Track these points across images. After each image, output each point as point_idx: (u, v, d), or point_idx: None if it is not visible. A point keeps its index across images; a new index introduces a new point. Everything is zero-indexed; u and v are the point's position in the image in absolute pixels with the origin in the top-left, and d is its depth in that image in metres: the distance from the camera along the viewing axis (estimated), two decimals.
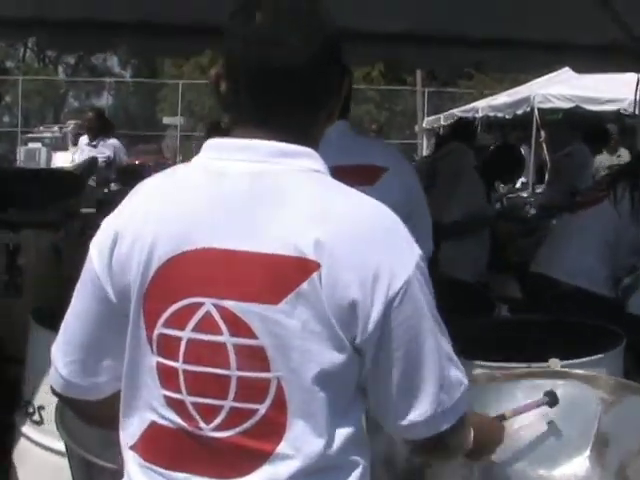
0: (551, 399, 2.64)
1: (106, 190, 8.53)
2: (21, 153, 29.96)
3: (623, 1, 6.19)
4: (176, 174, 1.86)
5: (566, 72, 11.86)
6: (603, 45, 7.53)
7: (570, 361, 3.00)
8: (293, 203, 1.70)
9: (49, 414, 3.40)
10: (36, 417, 3.65)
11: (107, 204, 8.06)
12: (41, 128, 37.40)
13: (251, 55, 1.74)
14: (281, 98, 1.77)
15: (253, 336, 1.67)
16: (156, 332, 1.74)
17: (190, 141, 39.20)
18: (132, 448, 1.80)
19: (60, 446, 3.14)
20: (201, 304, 1.70)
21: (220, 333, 1.69)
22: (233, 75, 1.79)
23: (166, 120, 37.72)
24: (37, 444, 3.78)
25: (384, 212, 1.74)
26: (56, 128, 36.94)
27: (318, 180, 1.76)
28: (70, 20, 9.75)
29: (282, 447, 1.68)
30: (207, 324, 1.70)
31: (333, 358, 1.68)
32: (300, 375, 1.67)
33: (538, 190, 13.77)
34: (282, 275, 1.66)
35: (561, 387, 2.69)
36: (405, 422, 1.73)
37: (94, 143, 9.83)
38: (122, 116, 41.09)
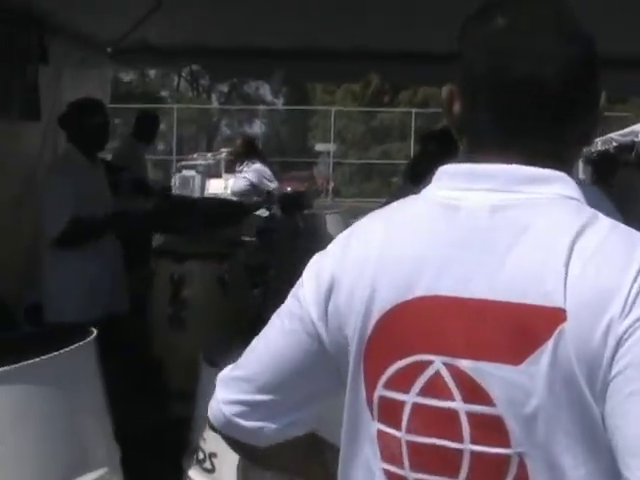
0: None
1: (266, 218, 8.36)
2: (176, 180, 30.48)
3: None
4: (399, 209, 1.57)
5: None
6: None
7: None
8: (541, 241, 1.38)
9: (222, 463, 3.18)
10: (207, 465, 3.41)
11: (266, 232, 7.94)
12: (195, 156, 38.12)
13: (495, 66, 1.45)
14: (530, 116, 1.46)
15: (490, 403, 1.37)
16: (376, 394, 1.47)
17: (342, 167, 39.42)
18: None
19: None
20: (429, 363, 1.41)
21: (451, 398, 1.40)
22: (471, 91, 1.50)
23: (318, 147, 37.90)
24: None
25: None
26: (209, 155, 37.63)
27: (572, 211, 1.42)
28: (227, 48, 9.82)
29: None
30: (436, 387, 1.41)
31: (585, 427, 1.34)
32: (547, 450, 1.35)
33: None
34: (526, 328, 1.34)
35: None
36: None
37: (239, 169, 9.78)
38: (274, 143, 41.49)
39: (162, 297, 5.08)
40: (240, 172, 9.76)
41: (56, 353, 2.54)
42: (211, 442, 3.27)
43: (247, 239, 7.50)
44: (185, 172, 33.05)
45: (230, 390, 1.65)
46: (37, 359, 2.49)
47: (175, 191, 26.33)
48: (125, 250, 5.34)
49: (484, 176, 1.46)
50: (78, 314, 4.91)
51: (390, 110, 40.80)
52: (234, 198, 9.11)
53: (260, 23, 8.86)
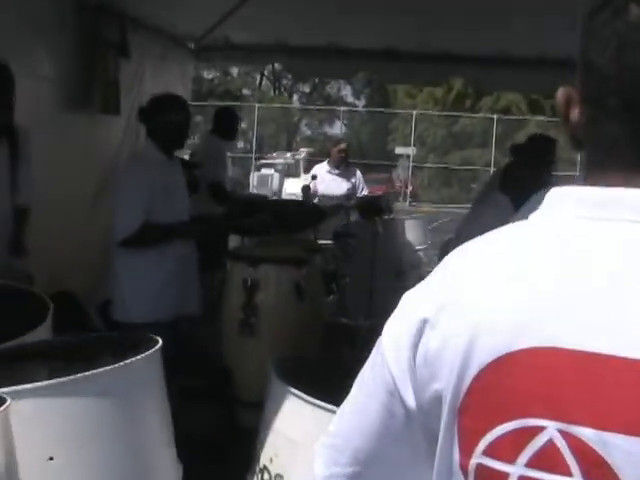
0: None
1: (344, 222, 8.14)
2: (254, 179, 30.53)
3: None
4: (505, 240, 1.29)
5: None
6: None
7: None
8: None
9: None
10: None
11: (344, 237, 7.74)
12: (274, 154, 38.18)
13: (629, 66, 1.18)
14: None
15: None
16: (473, 461, 1.20)
17: (421, 172, 39.14)
18: None
19: None
20: (540, 429, 1.14)
21: (568, 473, 1.12)
22: (596, 95, 1.23)
23: (398, 150, 37.66)
24: None
25: None
26: (289, 155, 37.68)
27: None
28: (311, 46, 9.70)
29: None
30: (548, 458, 1.14)
31: None
32: None
33: None
34: None
35: None
36: None
37: (337, 172, 9.57)
38: (354, 145, 41.32)
39: (234, 301, 4.89)
40: (339, 176, 9.58)
41: (116, 365, 2.37)
42: (278, 463, 3.08)
43: (323, 243, 7.29)
44: (264, 170, 33.14)
45: (325, 463, 1.42)
46: (96, 371, 2.33)
47: (253, 189, 26.41)
48: (200, 251, 5.20)
49: (611, 202, 1.19)
50: (147, 314, 4.78)
51: (472, 115, 40.42)
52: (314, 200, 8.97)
53: (343, 23, 8.77)
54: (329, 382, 3.00)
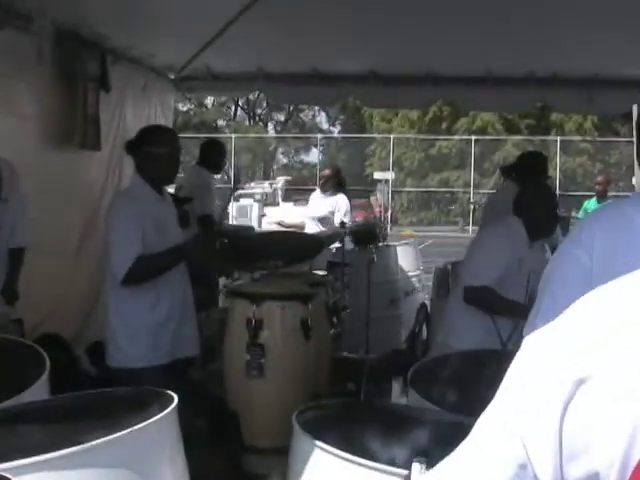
0: None
1: (333, 251, 7.90)
2: (233, 209, 30.27)
3: None
4: None
5: None
6: None
7: None
8: None
9: None
10: None
11: (338, 266, 7.49)
12: (252, 184, 37.95)
13: None
14: None
15: None
16: None
17: (400, 196, 38.99)
18: None
19: None
20: None
21: None
22: None
23: (377, 175, 37.47)
24: None
25: None
26: (266, 184, 37.47)
27: None
28: (294, 73, 9.50)
29: None
30: None
31: None
32: None
33: None
34: None
35: None
36: None
37: (324, 197, 9.48)
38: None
39: (237, 342, 4.59)
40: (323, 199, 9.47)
41: (130, 430, 2.09)
42: None
43: (320, 274, 7.03)
44: (242, 201, 32.91)
45: None
46: (106, 438, 2.04)
47: (233, 220, 26.22)
48: (193, 289, 4.93)
49: None
50: (142, 358, 4.50)
51: (449, 137, 40.32)
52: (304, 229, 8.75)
53: (325, 48, 8.59)
54: (352, 430, 2.75)
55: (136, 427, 2.10)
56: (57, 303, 6.56)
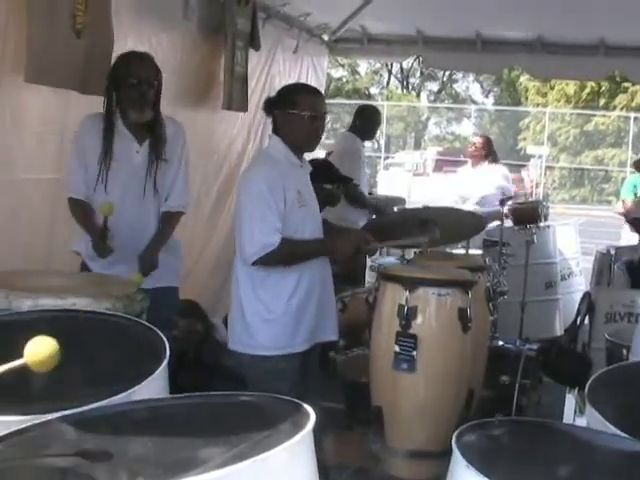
0: None
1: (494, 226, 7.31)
2: (382, 178, 29.93)
3: None
4: None
5: None
6: None
7: None
8: None
9: None
10: None
11: (495, 246, 6.93)
12: (402, 154, 37.52)
13: None
14: None
15: None
16: None
17: (552, 172, 37.89)
18: None
19: None
20: None
21: None
22: None
23: (530, 149, 36.44)
24: None
25: None
26: (417, 154, 36.98)
27: None
28: (455, 38, 8.99)
29: None
30: None
31: None
32: None
33: None
34: None
35: None
36: None
37: (475, 172, 8.74)
38: None
39: (387, 330, 4.09)
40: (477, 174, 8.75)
41: (265, 455, 1.63)
42: None
43: (478, 254, 6.49)
44: (392, 170, 32.59)
45: None
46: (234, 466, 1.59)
47: (381, 190, 25.84)
48: (336, 264, 4.47)
49: None
50: (278, 345, 4.08)
51: (606, 114, 38.80)
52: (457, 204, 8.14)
53: (489, 13, 8.08)
54: (528, 464, 2.24)
55: (259, 457, 1.64)
56: (191, 268, 6.25)
